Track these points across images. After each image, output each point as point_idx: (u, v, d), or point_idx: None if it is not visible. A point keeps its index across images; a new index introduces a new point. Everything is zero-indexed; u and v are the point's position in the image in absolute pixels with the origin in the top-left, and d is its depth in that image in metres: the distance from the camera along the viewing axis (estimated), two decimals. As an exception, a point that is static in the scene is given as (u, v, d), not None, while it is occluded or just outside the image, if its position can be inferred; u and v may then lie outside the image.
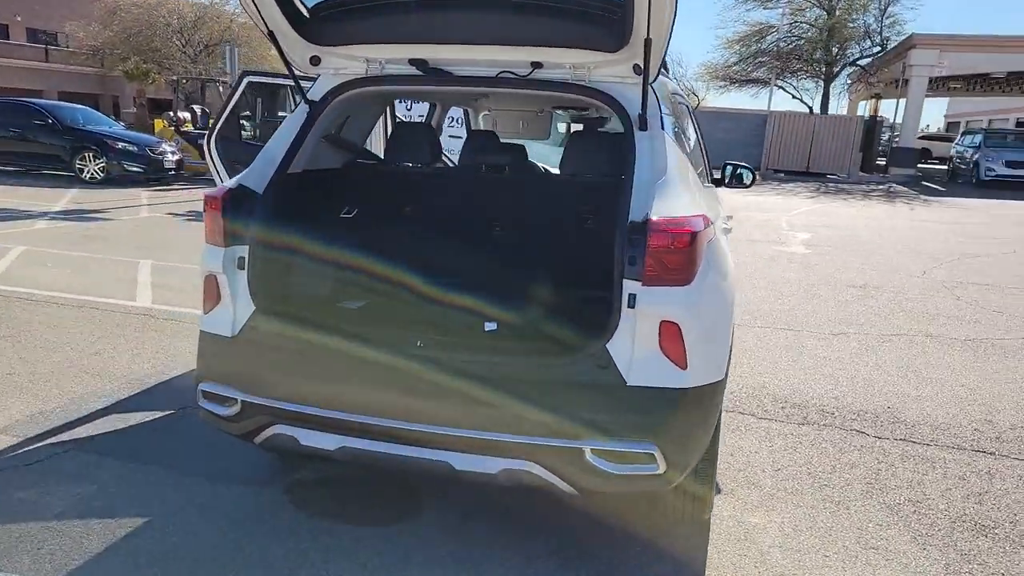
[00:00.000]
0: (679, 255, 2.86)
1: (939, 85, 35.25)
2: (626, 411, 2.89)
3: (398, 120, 6.15)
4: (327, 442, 3.08)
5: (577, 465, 2.87)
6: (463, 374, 3.00)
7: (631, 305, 2.89)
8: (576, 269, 4.04)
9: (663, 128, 3.28)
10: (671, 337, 2.88)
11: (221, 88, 19.06)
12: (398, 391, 3.03)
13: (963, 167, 28.39)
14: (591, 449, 2.85)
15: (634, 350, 2.90)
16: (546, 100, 4.99)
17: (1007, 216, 18.07)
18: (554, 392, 2.94)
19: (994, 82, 35.74)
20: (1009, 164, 25.38)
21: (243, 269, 3.33)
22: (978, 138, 27.94)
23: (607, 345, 2.94)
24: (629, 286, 2.89)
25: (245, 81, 5.55)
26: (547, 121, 6.37)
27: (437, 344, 3.15)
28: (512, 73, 3.48)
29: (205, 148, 5.52)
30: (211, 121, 16.13)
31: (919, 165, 33.24)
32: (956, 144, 31.10)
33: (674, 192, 3.07)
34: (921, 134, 38.54)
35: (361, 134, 4.42)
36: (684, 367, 2.90)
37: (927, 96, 32.23)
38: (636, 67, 3.27)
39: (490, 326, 3.39)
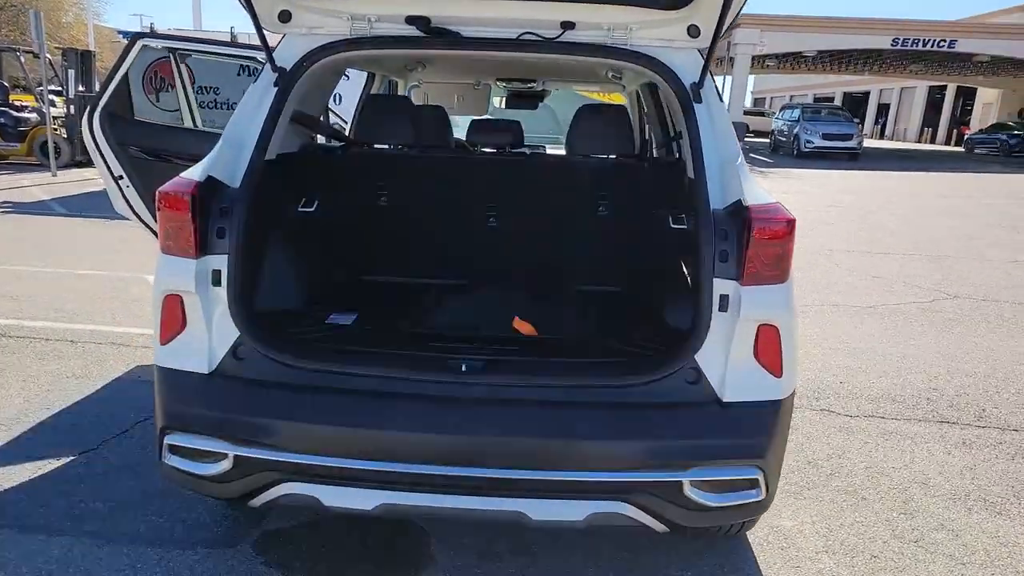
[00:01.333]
0: (779, 247, 2.50)
1: (759, 63, 37.88)
2: (725, 432, 2.52)
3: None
4: (362, 500, 2.45)
5: (675, 500, 2.47)
6: (528, 403, 2.49)
7: (723, 308, 2.50)
8: (618, 266, 3.61)
9: (720, 99, 2.88)
10: (769, 342, 2.53)
11: (23, 59, 16.36)
12: (449, 429, 2.46)
13: (783, 140, 30.76)
14: (690, 481, 2.44)
15: (728, 360, 2.53)
16: (566, 69, 4.38)
17: (833, 184, 19.68)
18: (640, 416, 2.50)
19: (804, 60, 38.96)
20: (825, 136, 27.85)
21: (219, 285, 2.58)
22: (796, 112, 30.36)
23: (695, 356, 2.53)
24: (721, 286, 2.51)
25: (139, 47, 4.50)
26: (485, 98, 5.80)
27: (486, 367, 2.59)
28: (536, 35, 2.93)
29: (85, 127, 4.43)
30: (78, 94, 13.79)
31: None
32: (776, 118, 33.63)
33: (748, 175, 2.70)
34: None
35: (319, 109, 3.67)
36: (779, 375, 2.57)
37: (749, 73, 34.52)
38: (692, 28, 2.84)
39: (527, 328, 2.87)
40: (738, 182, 2.61)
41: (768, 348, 2.54)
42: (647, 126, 4.86)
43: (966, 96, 48.97)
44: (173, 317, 2.61)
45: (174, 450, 2.58)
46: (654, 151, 4.72)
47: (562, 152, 4.88)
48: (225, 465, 2.52)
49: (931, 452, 4.34)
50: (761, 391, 2.55)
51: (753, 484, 2.50)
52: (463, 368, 2.58)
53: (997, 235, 12.09)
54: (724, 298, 2.52)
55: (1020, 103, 42.61)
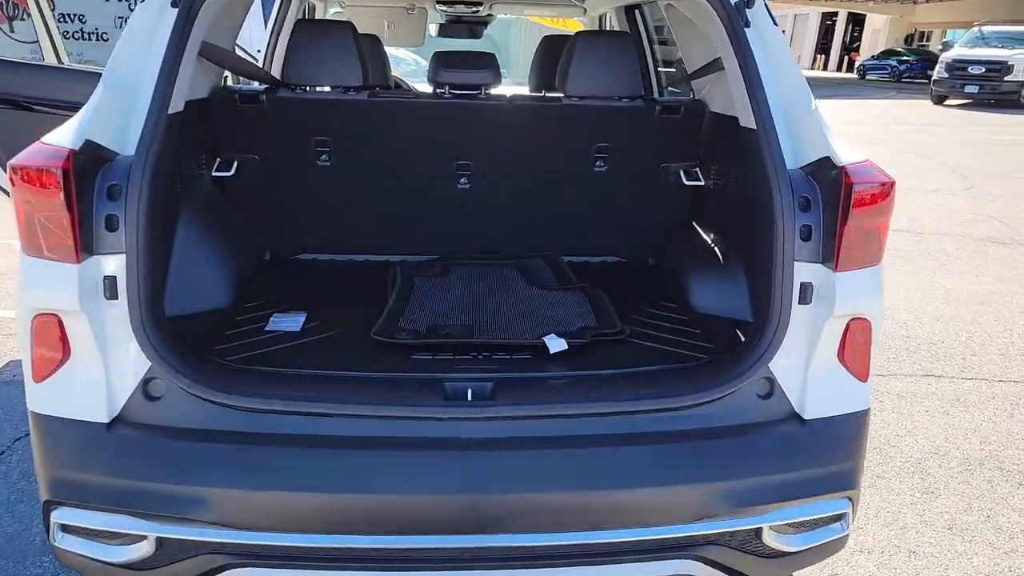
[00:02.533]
0: (879, 218, 1.97)
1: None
2: (810, 458, 2.01)
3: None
4: None
5: (751, 549, 1.95)
6: (557, 442, 1.89)
7: (805, 300, 1.95)
8: (621, 234, 2.99)
9: (775, 23, 2.25)
10: (858, 340, 2.02)
11: None
12: (454, 485, 1.83)
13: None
14: (770, 526, 1.92)
15: (810, 365, 1.99)
16: None
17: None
18: (705, 448, 1.95)
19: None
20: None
21: (116, 297, 1.81)
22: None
23: (769, 364, 1.99)
24: (804, 272, 1.95)
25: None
26: (421, 26, 4.92)
27: (494, 391, 1.95)
28: None
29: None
30: None
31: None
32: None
33: (825, 123, 2.11)
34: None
35: (230, 43, 2.79)
36: (865, 378, 2.06)
37: None
38: None
39: (556, 343, 2.22)
40: (821, 133, 2.02)
41: (856, 347, 2.02)
42: (649, 60, 4.16)
43: (856, 23, 50.26)
44: (49, 344, 1.83)
45: (68, 530, 1.84)
46: (656, 91, 4.05)
47: (522, 91, 4.16)
48: (145, 548, 1.82)
49: (929, 413, 4.05)
50: (847, 401, 2.05)
51: (839, 519, 2.01)
52: (468, 395, 1.93)
53: (913, 163, 12.20)
54: (806, 287, 1.97)
55: (907, 29, 44.12)
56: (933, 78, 22.73)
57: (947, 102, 22.49)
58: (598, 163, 2.97)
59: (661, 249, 3.15)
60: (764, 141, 2.04)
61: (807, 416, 2.02)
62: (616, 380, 2.09)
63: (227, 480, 1.84)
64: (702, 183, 2.95)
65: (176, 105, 2.07)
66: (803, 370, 2.02)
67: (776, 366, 2.01)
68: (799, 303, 1.98)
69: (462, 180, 2.98)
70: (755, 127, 2.10)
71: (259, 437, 1.86)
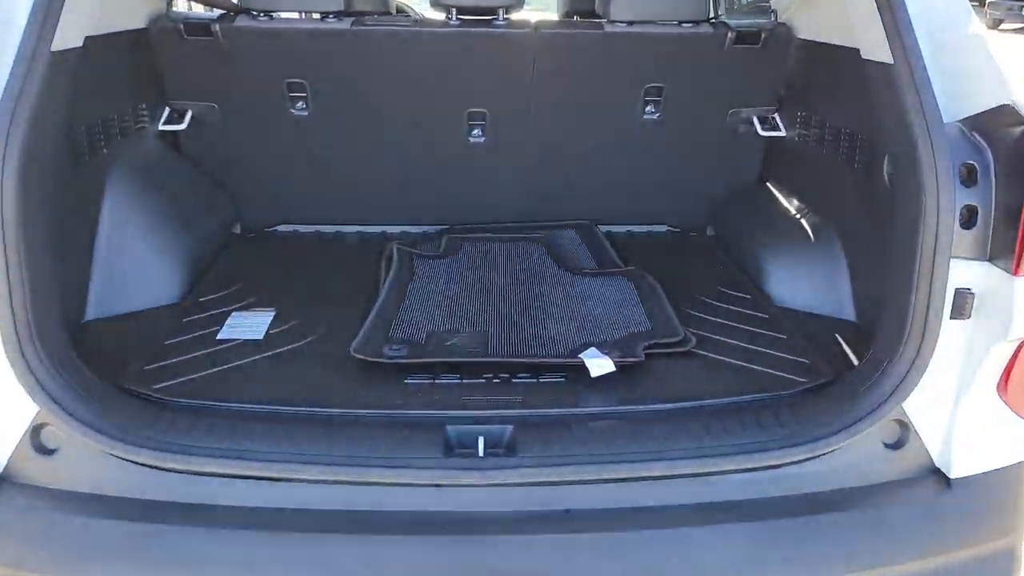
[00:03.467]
0: None
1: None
2: (955, 534, 1.45)
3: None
4: None
5: None
6: (607, 522, 1.36)
7: (962, 312, 1.38)
8: (678, 202, 2.49)
9: None
10: None
11: None
12: None
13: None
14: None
15: (959, 403, 1.43)
16: None
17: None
18: (809, 525, 1.40)
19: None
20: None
21: None
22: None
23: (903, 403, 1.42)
24: (963, 273, 1.37)
25: None
26: None
27: (523, 443, 1.40)
28: None
29: None
30: None
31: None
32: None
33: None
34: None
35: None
36: None
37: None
38: None
39: (598, 363, 1.64)
40: (993, 69, 1.40)
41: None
42: None
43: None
44: None
45: None
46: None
47: (550, 17, 3.48)
48: None
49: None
50: (1008, 450, 1.47)
51: None
52: (479, 446, 1.38)
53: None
54: (964, 296, 1.37)
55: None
56: (987, 0, 21.04)
57: (1003, 26, 20.87)
58: (648, 109, 2.33)
59: (724, 218, 2.53)
60: (906, 81, 1.41)
61: (954, 474, 1.45)
62: (683, 420, 1.51)
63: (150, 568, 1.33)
64: (782, 134, 2.31)
65: (67, 39, 1.47)
66: (950, 409, 1.44)
67: (912, 403, 1.44)
68: (951, 317, 1.39)
69: (475, 132, 2.37)
70: (890, 60, 1.46)
71: (185, 512, 1.34)
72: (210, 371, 1.65)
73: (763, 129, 2.34)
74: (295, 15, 2.21)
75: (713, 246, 2.49)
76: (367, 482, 1.36)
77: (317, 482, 1.36)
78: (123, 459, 1.36)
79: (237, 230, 2.53)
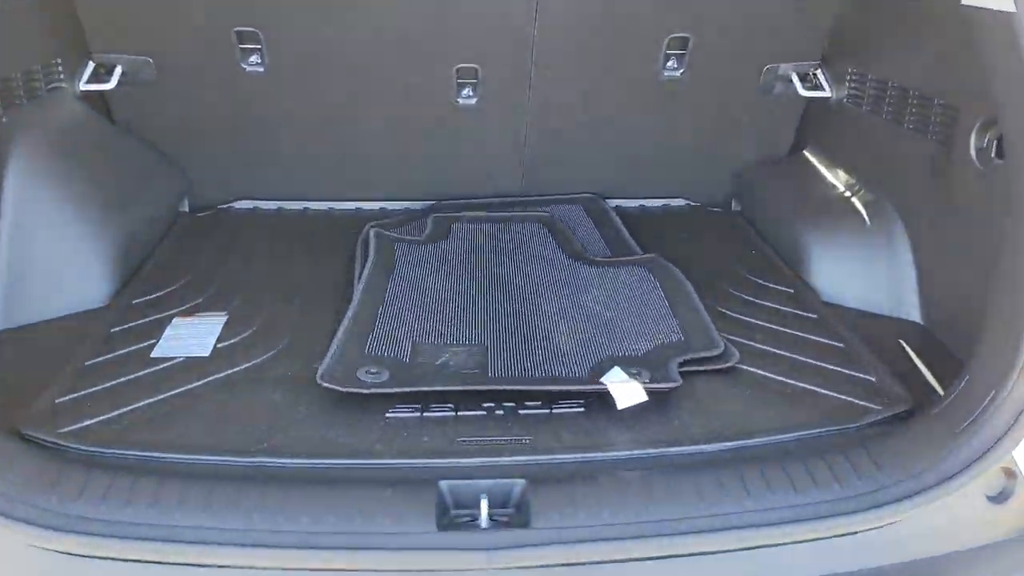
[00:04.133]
0: None
1: None
2: None
3: None
4: None
5: None
6: None
7: None
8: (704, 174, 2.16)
9: None
10: None
11: None
12: None
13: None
14: None
15: None
16: None
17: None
18: None
19: None
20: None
21: None
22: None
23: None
24: None
25: None
26: None
27: (539, 507, 1.09)
28: None
29: None
30: None
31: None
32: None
33: None
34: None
35: None
36: None
37: None
38: None
39: (626, 391, 1.31)
40: None
41: None
42: None
43: None
44: None
45: None
46: None
47: None
48: None
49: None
50: None
51: None
52: (482, 513, 1.07)
53: None
54: None
55: None
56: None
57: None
58: (670, 65, 1.97)
59: (753, 191, 2.20)
60: None
61: None
62: (733, 466, 1.20)
63: None
64: (827, 94, 1.97)
65: None
66: None
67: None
68: None
69: (465, 92, 2.00)
70: (1012, 8, 1.11)
71: None
72: (138, 405, 1.31)
73: (804, 88, 2.00)
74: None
75: (741, 225, 2.16)
76: (333, 570, 1.05)
77: (269, 570, 1.05)
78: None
79: (185, 207, 2.16)
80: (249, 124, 2.04)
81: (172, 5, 1.78)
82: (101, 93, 1.90)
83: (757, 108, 2.10)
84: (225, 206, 2.20)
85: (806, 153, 2.13)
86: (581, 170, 2.25)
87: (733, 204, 2.28)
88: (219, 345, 1.51)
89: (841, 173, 1.93)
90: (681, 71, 2.00)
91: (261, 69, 1.92)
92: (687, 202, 2.33)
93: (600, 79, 2.02)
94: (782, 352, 1.52)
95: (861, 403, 1.36)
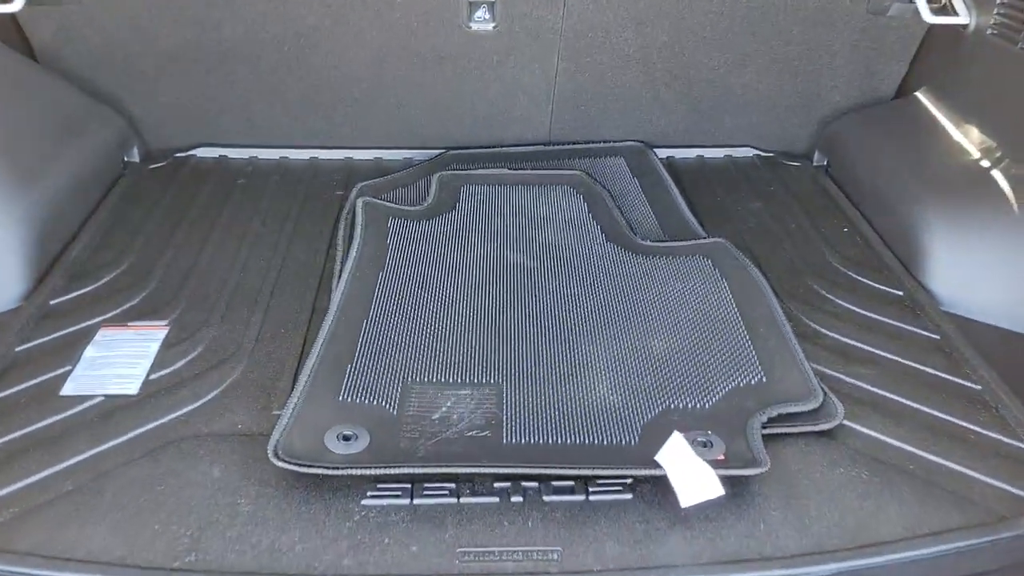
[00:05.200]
0: None
1: None
2: None
3: None
4: None
5: None
6: None
7: None
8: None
9: None
10: None
11: None
12: None
13: None
14: None
15: None
16: None
17: None
18: None
19: None
20: None
21: None
22: None
23: None
24: None
25: None
26: None
27: None
28: None
29: None
30: None
31: None
32: None
33: None
34: None
35: None
36: None
37: None
38: None
39: (692, 484, 0.94)
40: None
41: None
42: None
43: None
44: None
45: None
46: None
47: None
48: None
49: None
50: None
51: None
52: None
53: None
54: None
55: None
56: None
57: None
58: None
59: (845, 143, 1.73)
60: None
61: None
62: None
63: None
64: (963, 21, 1.48)
65: None
66: None
67: None
68: None
69: (479, 14, 1.54)
70: None
71: None
72: (27, 483, 0.97)
73: (932, 12, 1.51)
74: None
75: (828, 188, 1.71)
76: None
77: None
78: None
79: (135, 156, 1.75)
80: (205, 52, 1.60)
81: None
82: (11, 17, 1.48)
83: (861, 34, 1.61)
84: (184, 154, 1.79)
85: (920, 97, 1.65)
86: (624, 112, 1.79)
87: (816, 157, 1.83)
88: (152, 376, 1.16)
89: (975, 132, 1.47)
90: None
91: None
92: (757, 152, 1.87)
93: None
94: (901, 399, 1.14)
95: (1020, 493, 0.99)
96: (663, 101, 1.76)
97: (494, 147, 1.83)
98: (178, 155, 1.78)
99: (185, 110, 1.73)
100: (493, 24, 1.55)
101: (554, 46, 1.61)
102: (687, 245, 1.47)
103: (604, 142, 1.85)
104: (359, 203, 1.53)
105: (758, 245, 1.50)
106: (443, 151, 1.82)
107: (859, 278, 1.41)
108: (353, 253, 1.39)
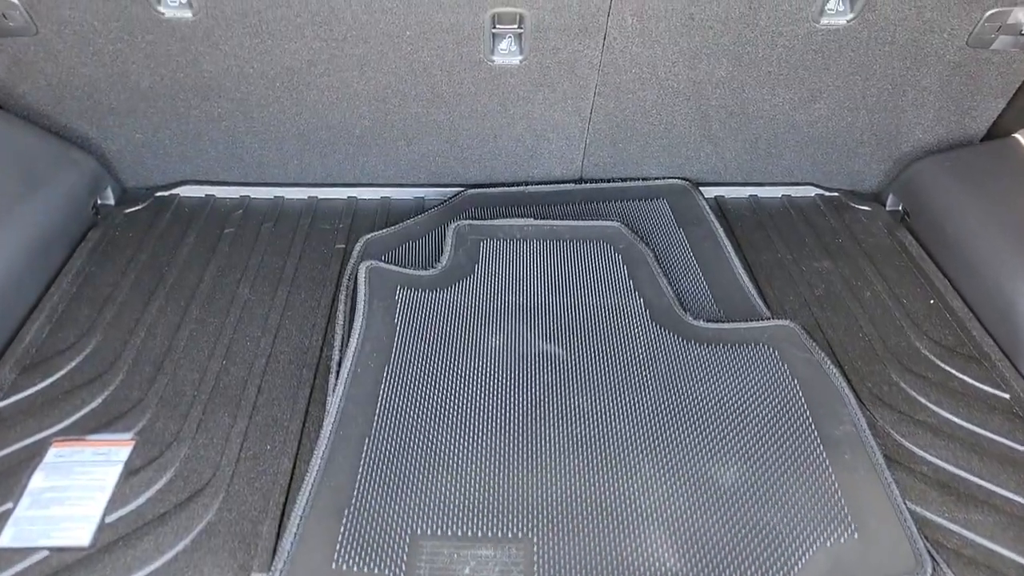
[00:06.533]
0: None
1: None
2: None
3: None
4: None
5: None
6: None
7: None
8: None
9: None
10: None
11: None
12: None
13: None
14: None
15: None
16: None
17: None
18: None
19: None
20: None
21: None
22: None
23: None
24: None
25: None
26: None
27: None
28: None
29: None
30: None
31: None
32: None
33: None
34: None
35: None
36: None
37: None
38: None
39: None
40: None
41: None
42: None
43: None
44: None
45: None
46: None
47: None
48: None
49: None
50: None
51: None
52: None
53: None
54: None
55: None
56: None
57: None
58: (833, 6, 1.24)
59: (926, 187, 1.49)
60: None
61: None
62: None
63: None
64: None
65: None
66: None
67: None
68: None
69: (503, 46, 1.30)
70: None
71: None
72: None
73: None
74: None
75: (907, 242, 1.47)
76: None
77: None
78: None
79: (109, 198, 1.54)
80: (183, 88, 1.37)
81: None
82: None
83: (955, 69, 1.36)
84: (166, 193, 1.57)
85: (1021, 140, 1.41)
86: (668, 149, 1.55)
87: (890, 200, 1.58)
88: (109, 517, 0.96)
89: None
90: (851, 16, 1.26)
91: (188, 13, 1.23)
92: (819, 191, 1.63)
93: (716, 29, 1.29)
94: (1011, 555, 0.93)
95: None
96: (714, 138, 1.51)
97: (518, 184, 1.60)
98: (160, 194, 1.57)
99: (165, 146, 1.51)
100: (520, 57, 1.31)
101: (590, 81, 1.37)
102: (748, 329, 1.24)
103: (644, 179, 1.62)
104: (362, 269, 1.31)
105: (829, 323, 1.28)
106: (460, 190, 1.59)
107: (954, 372, 1.19)
108: (354, 341, 1.18)
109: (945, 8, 1.25)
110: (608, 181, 1.62)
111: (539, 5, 1.23)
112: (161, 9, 1.22)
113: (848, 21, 1.27)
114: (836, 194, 1.63)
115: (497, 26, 1.28)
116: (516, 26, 1.28)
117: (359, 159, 1.54)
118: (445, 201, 1.58)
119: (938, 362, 1.20)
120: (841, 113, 1.47)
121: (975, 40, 1.30)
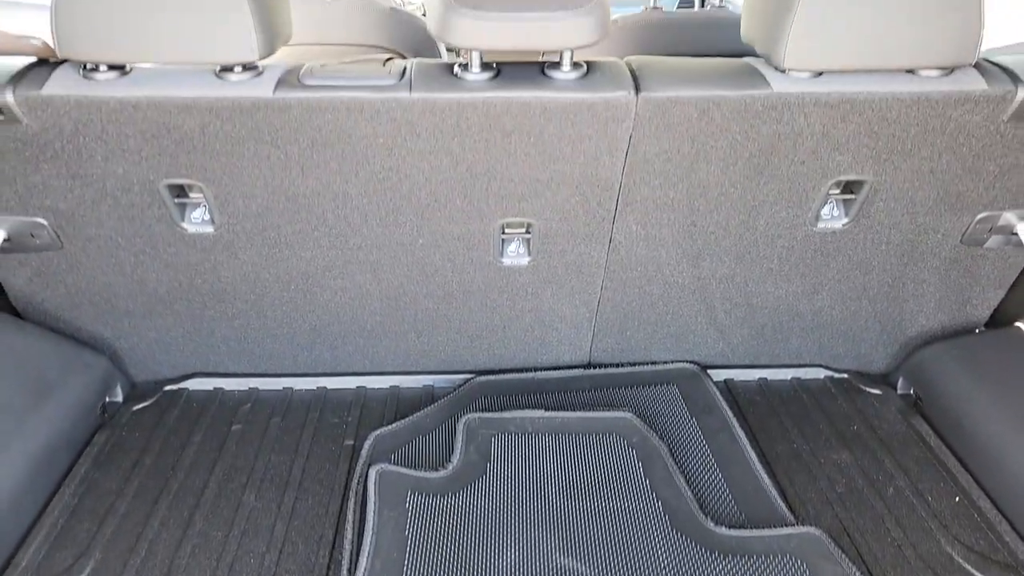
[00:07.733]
0: None
1: None
2: None
3: None
4: None
5: None
6: None
7: None
8: None
9: None
10: None
11: None
12: None
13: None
14: None
15: None
16: None
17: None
18: None
19: None
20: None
21: None
22: None
23: None
24: None
25: None
26: None
27: None
28: None
29: None
30: None
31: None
32: None
33: None
34: None
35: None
36: None
37: None
38: None
39: None
40: None
41: None
42: None
43: None
44: None
45: None
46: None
47: None
48: None
49: None
50: None
51: None
52: None
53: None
54: None
55: None
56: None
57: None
58: (828, 212, 1.29)
59: (937, 373, 1.49)
60: None
61: None
62: None
63: None
64: None
65: None
66: None
67: None
68: None
69: (512, 247, 1.35)
70: None
71: None
72: None
73: None
74: (152, 64, 1.14)
75: (919, 430, 1.46)
76: None
77: None
78: None
79: (117, 395, 1.54)
80: (199, 293, 1.40)
81: (63, 157, 1.14)
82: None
83: (952, 264, 1.41)
84: (175, 387, 1.57)
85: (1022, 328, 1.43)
86: (676, 336, 1.57)
87: (900, 384, 1.58)
88: None
89: None
90: (846, 220, 1.31)
91: (211, 229, 1.28)
92: (828, 372, 1.63)
93: (717, 233, 1.34)
94: None
95: None
96: (721, 326, 1.53)
97: (527, 370, 1.61)
98: (168, 388, 1.57)
99: (176, 343, 1.52)
100: (528, 258, 1.35)
101: (597, 279, 1.41)
102: (773, 537, 1.20)
103: (652, 363, 1.63)
104: (372, 474, 1.29)
105: (855, 525, 1.24)
106: (469, 376, 1.59)
107: (969, 566, 1.14)
108: (364, 560, 1.14)
109: (937, 213, 1.30)
110: (617, 366, 1.63)
111: (547, 216, 1.28)
112: (184, 226, 1.27)
113: (843, 225, 1.32)
114: (845, 375, 1.63)
115: (506, 231, 1.33)
116: (524, 231, 1.33)
117: (369, 350, 1.55)
118: (454, 389, 1.58)
119: (974, 571, 1.16)
120: (844, 303, 1.49)
121: (969, 239, 1.35)
